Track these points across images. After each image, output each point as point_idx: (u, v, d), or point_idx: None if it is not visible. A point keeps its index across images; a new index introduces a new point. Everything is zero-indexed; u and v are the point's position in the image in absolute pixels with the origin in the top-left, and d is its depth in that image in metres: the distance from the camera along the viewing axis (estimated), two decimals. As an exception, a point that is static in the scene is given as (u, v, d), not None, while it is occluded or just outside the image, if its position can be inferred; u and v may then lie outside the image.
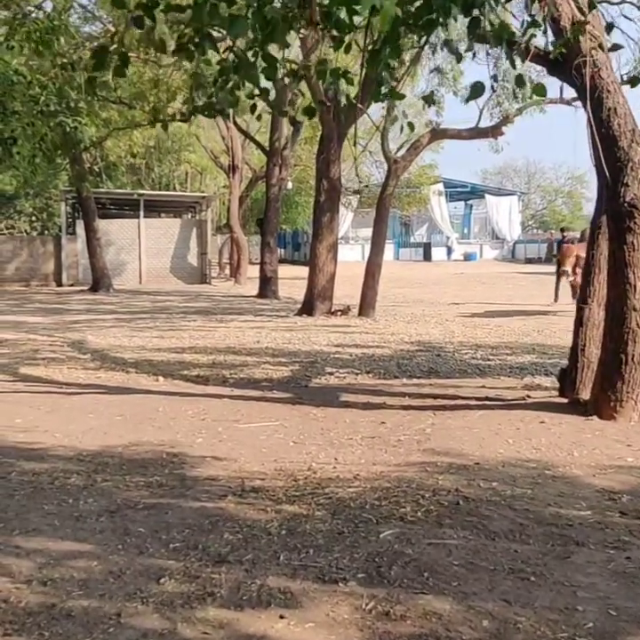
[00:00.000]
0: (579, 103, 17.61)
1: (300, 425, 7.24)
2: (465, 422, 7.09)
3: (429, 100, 5.50)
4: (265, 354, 11.79)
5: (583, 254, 16.43)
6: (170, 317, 17.46)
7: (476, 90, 4.80)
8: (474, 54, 6.61)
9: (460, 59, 5.74)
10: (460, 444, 6.31)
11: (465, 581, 3.76)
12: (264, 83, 4.76)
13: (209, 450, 6.37)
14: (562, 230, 23.64)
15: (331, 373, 10.14)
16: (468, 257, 51.77)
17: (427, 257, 52.37)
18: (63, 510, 4.87)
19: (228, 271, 36.26)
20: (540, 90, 6.01)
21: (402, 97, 5.58)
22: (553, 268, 20.45)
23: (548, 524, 4.52)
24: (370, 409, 7.87)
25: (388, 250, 53.90)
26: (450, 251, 53.24)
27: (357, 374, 10.09)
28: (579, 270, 16.92)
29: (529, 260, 47.32)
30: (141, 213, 30.24)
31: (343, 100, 12.83)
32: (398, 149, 17.53)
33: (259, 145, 25.53)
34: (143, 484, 5.42)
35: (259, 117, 7.01)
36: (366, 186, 26.36)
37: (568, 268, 17.68)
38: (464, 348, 12.38)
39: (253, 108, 5.78)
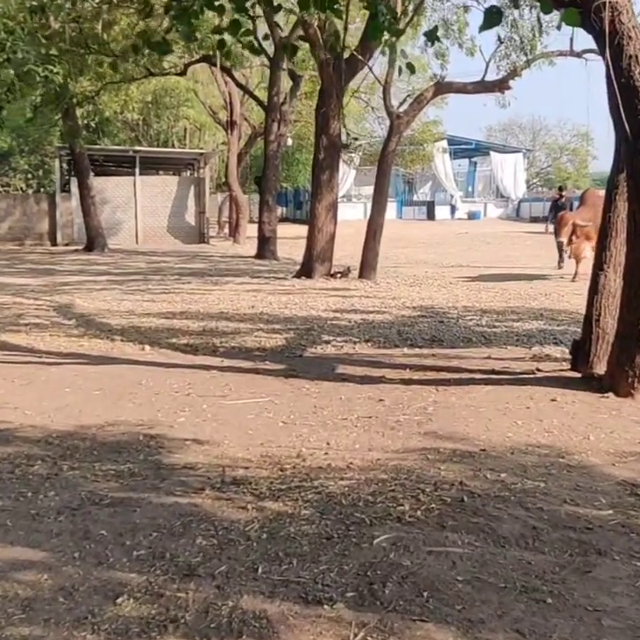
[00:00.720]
0: (590, 56, 16.89)
1: (291, 402, 6.69)
2: (470, 400, 6.54)
3: (432, 36, 4.80)
4: (259, 320, 11.23)
5: (581, 223, 15.48)
6: (163, 279, 16.88)
7: (491, 17, 4.12)
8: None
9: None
10: (465, 426, 5.77)
11: (471, 604, 3.23)
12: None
13: (190, 431, 5.83)
14: (559, 189, 21.62)
15: (327, 342, 9.58)
16: (471, 216, 50.90)
17: (430, 216, 51.49)
18: (19, 507, 4.35)
19: (227, 230, 35.55)
20: (571, 16, 5.24)
21: (401, 33, 4.85)
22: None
23: (565, 527, 3.99)
24: (368, 383, 7.32)
25: (391, 208, 53.02)
26: (453, 209, 52.34)
27: (356, 343, 9.54)
28: (575, 239, 15.77)
29: (534, 219, 46.42)
30: (137, 170, 29.46)
31: (338, 44, 11.95)
32: (401, 104, 16.79)
33: (257, 100, 24.69)
34: (113, 473, 4.90)
35: (227, 55, 6.29)
36: (355, 138, 25.47)
37: (563, 238, 16.02)
38: (469, 314, 11.82)
39: (221, 44, 4.98)
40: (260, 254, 22.32)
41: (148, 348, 9.25)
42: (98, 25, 17.81)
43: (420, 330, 10.39)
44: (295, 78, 22.10)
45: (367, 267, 16.39)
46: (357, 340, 9.72)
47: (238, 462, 5.08)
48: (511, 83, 16.13)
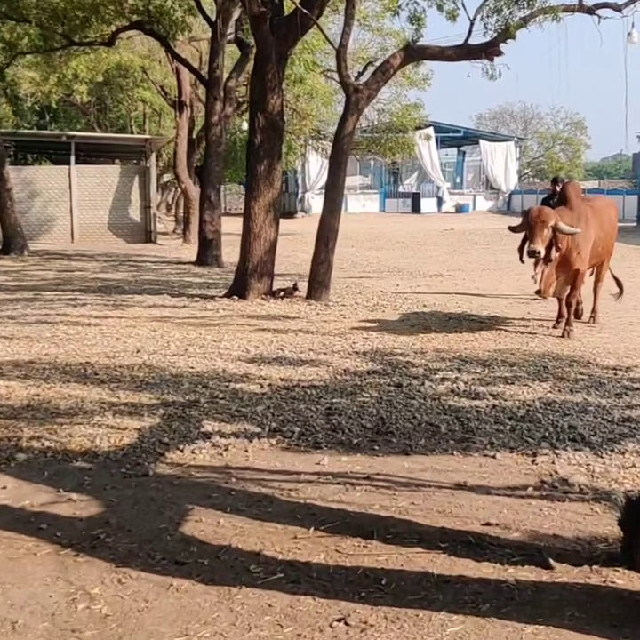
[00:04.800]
0: (604, 12, 13.22)
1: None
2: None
3: None
4: (129, 381, 7.56)
5: (565, 229, 9.25)
6: (55, 299, 13.11)
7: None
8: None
9: None
10: None
11: None
12: None
13: None
14: (554, 181, 14.88)
15: (208, 435, 5.94)
16: (460, 209, 47.45)
17: (415, 208, 48.04)
18: None
19: (185, 226, 31.77)
20: None
21: None
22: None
23: None
24: (216, 596, 3.66)
25: (374, 201, 49.61)
26: (440, 202, 48.86)
27: (254, 437, 5.91)
28: (554, 255, 9.44)
29: (526, 214, 42.81)
30: (72, 159, 25.60)
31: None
32: (360, 74, 13.10)
33: (196, 73, 20.86)
34: None
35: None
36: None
37: (539, 245, 9.26)
38: (442, 366, 8.22)
39: None
40: (201, 260, 18.65)
41: None
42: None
43: (362, 404, 6.77)
44: (244, 48, 18.33)
45: (317, 284, 12.73)
46: (259, 429, 6.09)
47: None
48: (503, 46, 12.46)
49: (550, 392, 7.22)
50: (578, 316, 10.79)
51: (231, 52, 24.79)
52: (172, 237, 29.65)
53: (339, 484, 4.96)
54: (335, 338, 9.78)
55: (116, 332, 10.09)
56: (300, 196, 46.28)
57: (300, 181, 46.36)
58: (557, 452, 5.52)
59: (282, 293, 13.00)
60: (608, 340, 9.72)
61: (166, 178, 42.08)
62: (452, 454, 5.52)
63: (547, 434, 5.95)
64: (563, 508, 4.54)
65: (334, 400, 6.89)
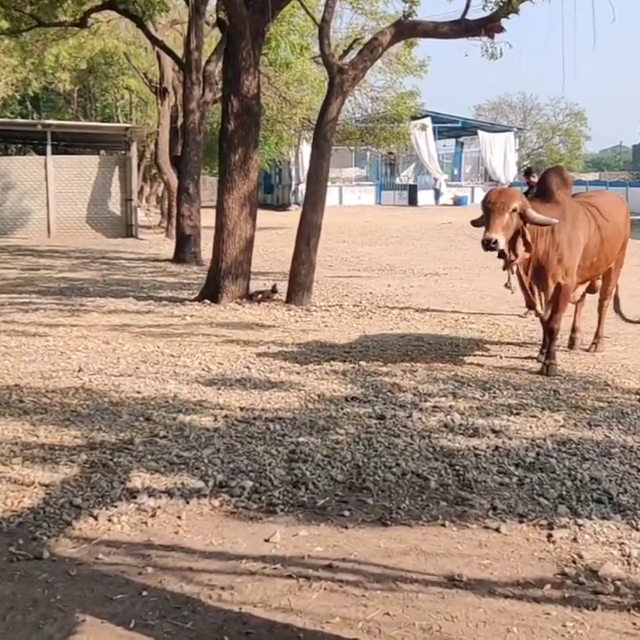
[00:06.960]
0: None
1: None
2: None
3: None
4: (55, 411, 6.29)
5: (535, 215, 6.98)
6: (7, 303, 11.79)
7: None
8: None
9: None
10: None
11: None
12: None
13: None
14: (527, 173, 12.88)
15: (133, 494, 4.66)
16: (457, 201, 46.08)
17: (412, 201, 46.70)
18: None
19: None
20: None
21: None
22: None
23: None
24: None
25: (370, 193, 48.30)
26: (438, 194, 47.51)
27: (192, 496, 4.65)
28: (521, 252, 7.16)
29: (526, 206, 41.53)
30: (48, 149, 24.27)
31: None
32: (345, 52, 11.82)
33: (172, 56, 19.50)
34: None
35: None
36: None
37: (497, 233, 6.87)
38: (433, 390, 6.97)
39: None
40: (178, 257, 17.40)
41: None
42: None
43: (334, 445, 5.50)
44: (225, 29, 16.96)
45: (297, 286, 11.46)
46: (201, 484, 4.83)
47: None
48: (504, 22, 11.16)
49: (564, 426, 5.98)
50: (572, 345, 8.81)
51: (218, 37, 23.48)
52: (156, 232, 28.31)
53: (290, 577, 3.70)
54: (312, 352, 8.52)
55: (62, 344, 8.81)
56: (293, 188, 44.99)
57: (293, 173, 45.07)
58: (580, 521, 4.26)
59: (259, 296, 11.73)
60: (626, 355, 8.48)
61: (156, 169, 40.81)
62: (444, 525, 4.26)
63: (564, 491, 4.69)
64: (594, 622, 3.29)
65: (301, 439, 5.63)
